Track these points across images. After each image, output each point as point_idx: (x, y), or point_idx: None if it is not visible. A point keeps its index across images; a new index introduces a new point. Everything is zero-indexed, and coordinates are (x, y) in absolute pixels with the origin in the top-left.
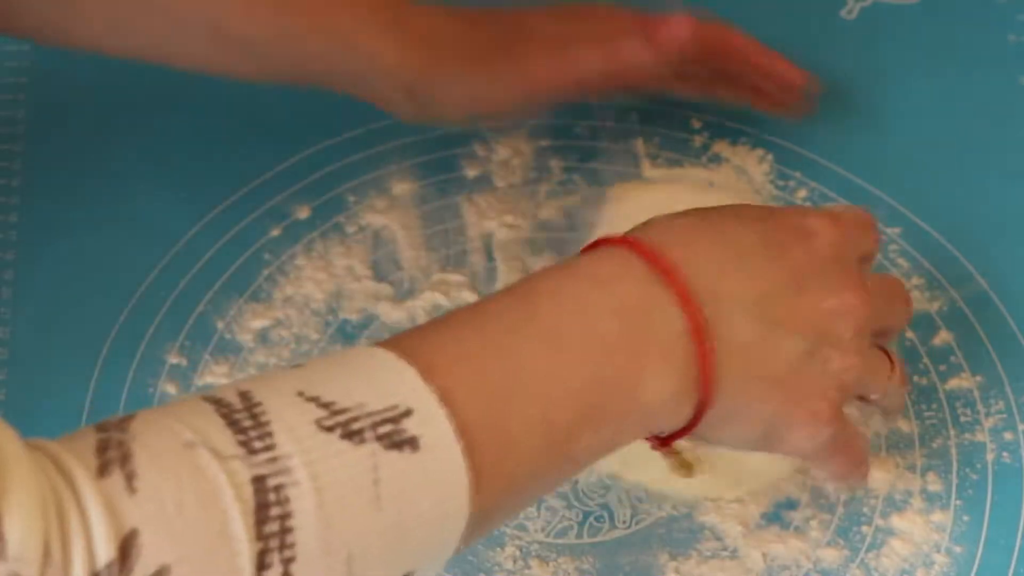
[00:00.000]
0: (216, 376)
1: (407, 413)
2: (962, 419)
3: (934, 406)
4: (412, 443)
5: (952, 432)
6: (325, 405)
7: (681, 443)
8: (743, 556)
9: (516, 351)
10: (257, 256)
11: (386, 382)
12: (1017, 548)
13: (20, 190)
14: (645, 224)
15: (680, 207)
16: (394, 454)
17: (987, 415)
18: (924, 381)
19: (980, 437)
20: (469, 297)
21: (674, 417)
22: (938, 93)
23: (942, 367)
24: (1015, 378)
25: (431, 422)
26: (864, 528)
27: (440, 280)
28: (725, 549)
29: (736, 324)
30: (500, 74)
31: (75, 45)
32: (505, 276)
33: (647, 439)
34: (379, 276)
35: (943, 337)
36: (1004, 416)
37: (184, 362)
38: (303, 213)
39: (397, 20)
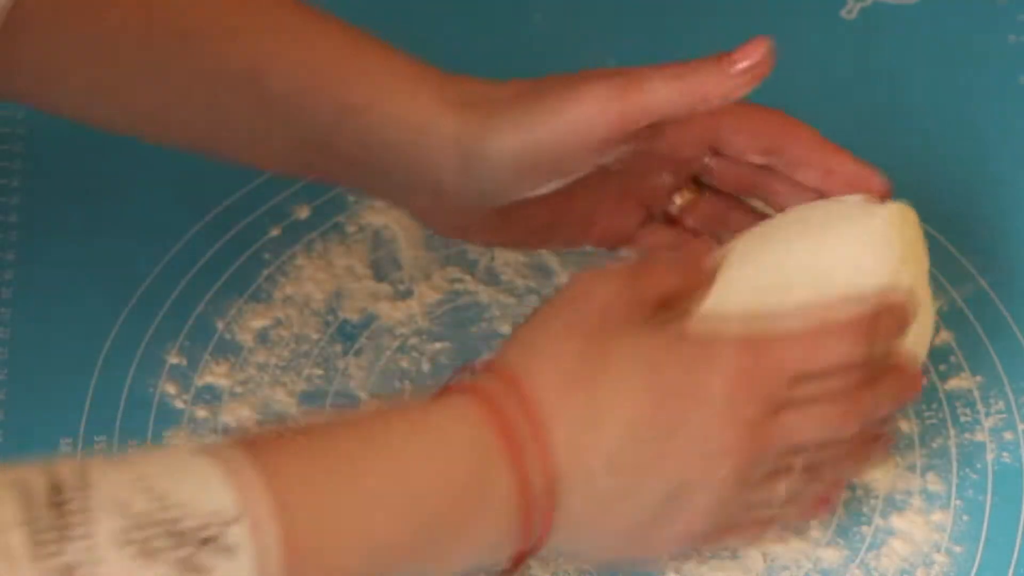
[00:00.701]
0: (216, 376)
1: (235, 520)
2: (962, 419)
3: (934, 406)
4: (229, 552)
5: (952, 432)
6: (137, 515)
7: None
8: (743, 556)
9: (352, 470)
10: (257, 256)
11: (225, 488)
12: (1017, 548)
13: (20, 190)
14: (527, 354)
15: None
16: None
17: (987, 415)
18: (924, 381)
19: (980, 437)
20: (469, 295)
21: (491, 560)
22: (938, 93)
23: (942, 367)
24: (1015, 378)
25: (258, 535)
26: (864, 528)
27: (440, 279)
28: (725, 549)
29: (585, 487)
30: (558, 107)
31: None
32: (505, 273)
33: None
34: (379, 276)
35: (943, 337)
36: (1004, 416)
37: (184, 362)
38: (303, 213)
39: (443, 83)
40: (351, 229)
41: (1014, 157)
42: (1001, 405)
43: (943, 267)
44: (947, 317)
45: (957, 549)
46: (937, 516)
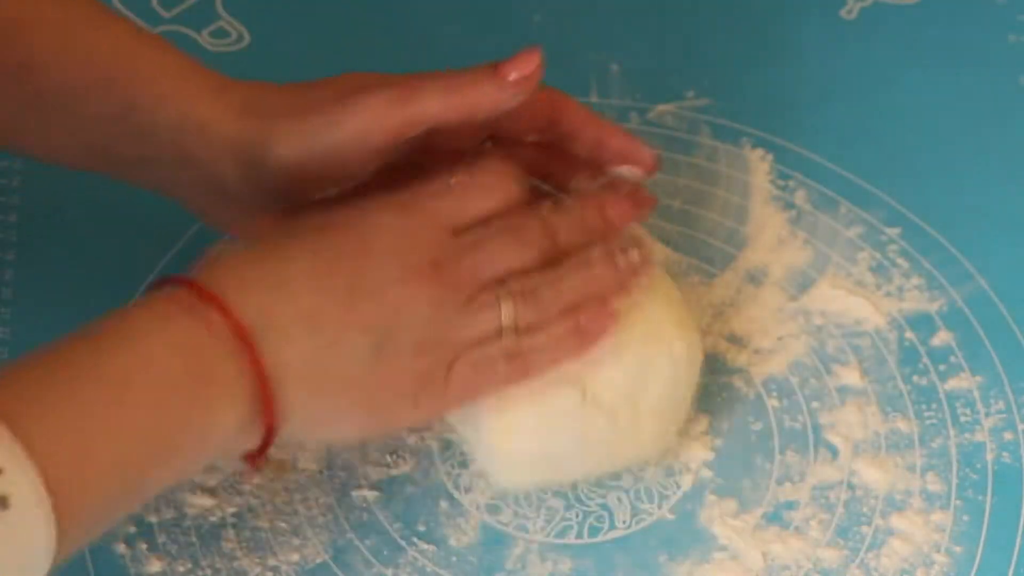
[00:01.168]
0: None
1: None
2: (962, 419)
3: (934, 406)
4: (2, 501)
5: (952, 432)
6: None
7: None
8: (743, 556)
9: (85, 399)
10: None
11: None
12: (1017, 548)
13: (20, 190)
14: (215, 258)
15: None
16: None
17: (987, 415)
18: (924, 381)
19: (980, 437)
20: None
21: (247, 442)
22: (938, 93)
23: (942, 367)
24: (1015, 378)
25: (21, 480)
26: (864, 528)
27: None
28: (725, 549)
29: (292, 344)
30: (337, 119)
31: None
32: None
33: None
34: None
35: (943, 337)
36: (1004, 416)
37: None
38: None
39: (224, 86)
40: None
41: (1014, 157)
42: (1001, 405)
43: (943, 267)
44: (947, 317)
45: (957, 549)
46: (937, 516)
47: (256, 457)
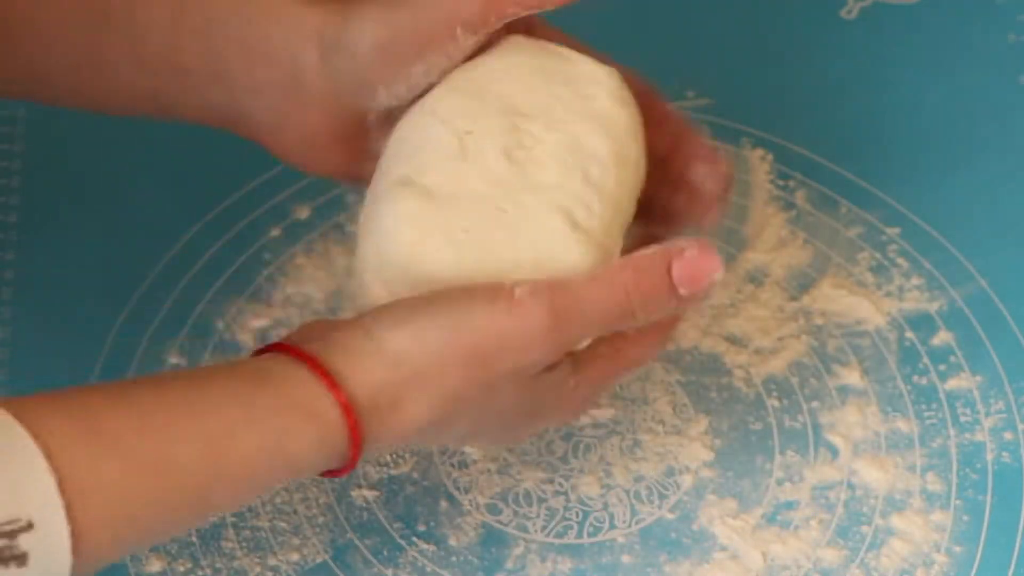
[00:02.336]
0: None
1: (28, 527)
2: (962, 419)
3: (934, 406)
4: (21, 559)
5: (952, 432)
6: None
7: None
8: (743, 556)
9: (171, 456)
10: (257, 256)
11: (17, 486)
12: (1017, 548)
13: (20, 190)
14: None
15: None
16: None
17: (987, 415)
18: (924, 381)
19: (980, 437)
20: None
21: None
22: (938, 93)
23: (942, 367)
24: (1015, 378)
25: (48, 539)
26: (864, 528)
27: None
28: (725, 549)
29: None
30: (421, 4)
31: None
32: None
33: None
34: None
35: (943, 337)
36: (1004, 416)
37: (184, 362)
38: (303, 213)
39: None
40: (351, 229)
41: (1014, 157)
42: (1001, 405)
43: (943, 267)
44: (947, 317)
45: (957, 549)
46: (937, 516)
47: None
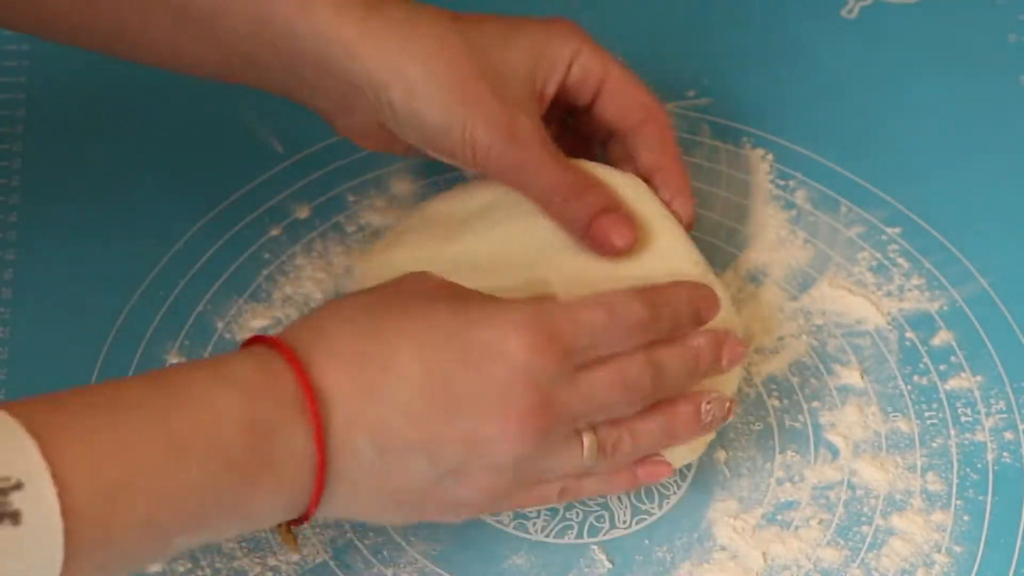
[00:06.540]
0: None
1: (17, 486)
2: (962, 419)
3: (934, 406)
4: (14, 517)
5: (952, 432)
6: None
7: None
8: (743, 556)
9: (139, 449)
10: (257, 256)
11: (3, 450)
12: (1017, 548)
13: (20, 190)
14: (317, 326)
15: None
16: None
17: (987, 415)
18: (924, 381)
19: (980, 437)
20: None
21: (277, 521)
22: (938, 93)
23: (942, 367)
24: (1015, 378)
25: (39, 500)
26: (864, 528)
27: None
28: (725, 549)
29: (357, 456)
30: None
31: (32, 31)
32: None
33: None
34: None
35: (943, 337)
36: (1004, 416)
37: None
38: (303, 213)
39: (372, 8)
40: (351, 229)
41: (1014, 157)
42: (1001, 405)
43: (943, 267)
44: (948, 317)
45: (957, 549)
46: (937, 516)
47: (284, 530)
